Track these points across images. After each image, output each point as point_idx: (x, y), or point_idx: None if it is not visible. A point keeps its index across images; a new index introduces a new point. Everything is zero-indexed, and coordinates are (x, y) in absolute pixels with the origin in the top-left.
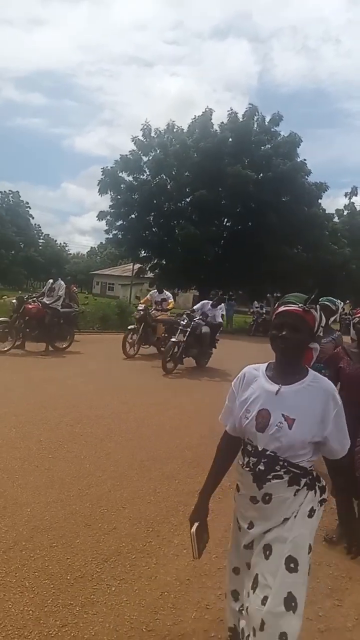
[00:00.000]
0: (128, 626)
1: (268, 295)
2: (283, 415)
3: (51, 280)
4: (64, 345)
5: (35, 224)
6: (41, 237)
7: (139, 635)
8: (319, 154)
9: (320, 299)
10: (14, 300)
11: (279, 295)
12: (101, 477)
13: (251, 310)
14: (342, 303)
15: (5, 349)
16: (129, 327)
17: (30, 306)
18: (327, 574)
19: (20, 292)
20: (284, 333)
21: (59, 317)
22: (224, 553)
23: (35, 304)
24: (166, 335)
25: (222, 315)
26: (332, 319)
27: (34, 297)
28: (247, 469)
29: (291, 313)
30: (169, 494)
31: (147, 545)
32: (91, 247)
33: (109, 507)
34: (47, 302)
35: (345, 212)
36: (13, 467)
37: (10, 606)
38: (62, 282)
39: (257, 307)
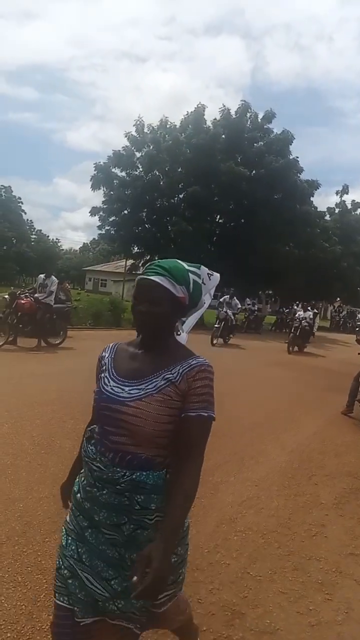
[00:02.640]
0: None
1: (260, 292)
2: None
3: (43, 276)
4: (56, 341)
5: (27, 220)
6: (33, 233)
7: None
8: (311, 151)
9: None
10: (7, 296)
11: (270, 292)
12: None
13: (243, 307)
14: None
15: None
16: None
17: (22, 302)
18: (317, 569)
19: (12, 287)
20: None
21: (52, 312)
22: (215, 547)
23: (28, 299)
24: None
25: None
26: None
27: (26, 293)
28: None
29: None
30: None
31: None
32: (84, 243)
33: None
34: (40, 298)
35: (337, 210)
36: (5, 463)
37: (3, 601)
38: (54, 278)
39: (249, 304)
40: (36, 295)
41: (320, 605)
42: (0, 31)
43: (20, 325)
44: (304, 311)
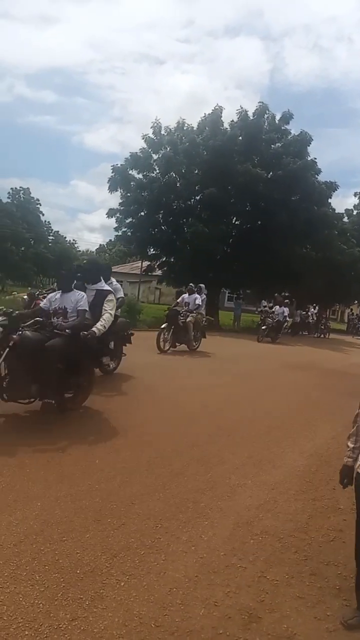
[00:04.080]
0: (137, 621)
1: (276, 294)
2: None
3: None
4: None
5: (45, 221)
6: (51, 234)
7: (148, 630)
8: (329, 153)
9: None
10: (25, 297)
11: (286, 294)
12: (110, 473)
13: (258, 309)
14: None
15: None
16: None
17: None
18: (335, 574)
19: (29, 288)
20: None
21: None
22: (232, 550)
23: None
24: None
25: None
26: None
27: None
28: None
29: None
30: (178, 490)
31: (156, 542)
32: (100, 245)
33: (118, 503)
34: None
35: (355, 212)
36: (24, 462)
37: (21, 599)
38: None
39: (264, 307)
40: None
41: (338, 611)
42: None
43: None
44: (280, 306)
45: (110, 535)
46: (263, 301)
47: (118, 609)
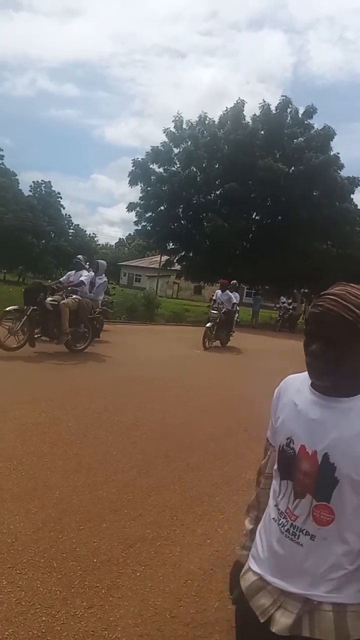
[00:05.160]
0: (152, 611)
1: (295, 290)
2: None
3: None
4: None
5: (65, 214)
6: (71, 227)
7: (163, 621)
8: (353, 148)
9: None
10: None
11: (306, 291)
12: (127, 465)
13: (277, 305)
14: None
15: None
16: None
17: None
18: None
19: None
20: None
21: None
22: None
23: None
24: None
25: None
26: None
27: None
28: None
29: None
30: (194, 484)
31: (172, 533)
32: (119, 239)
33: (134, 494)
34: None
35: None
36: (42, 451)
37: (38, 585)
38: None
39: (283, 303)
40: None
41: None
42: (43, 29)
43: None
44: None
45: (126, 526)
46: (282, 297)
47: (134, 599)
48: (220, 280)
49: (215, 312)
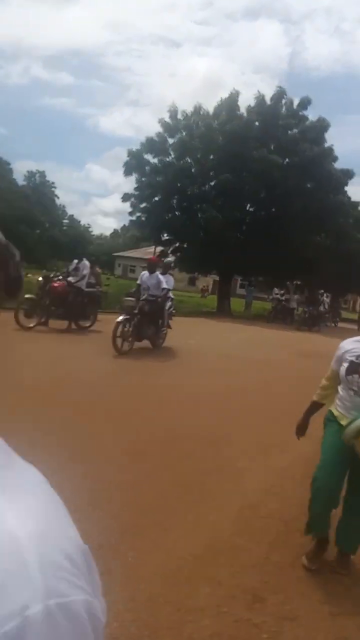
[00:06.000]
0: (144, 597)
1: (288, 282)
2: None
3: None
4: (87, 324)
5: (60, 204)
6: (65, 218)
7: (155, 606)
8: (347, 140)
9: None
10: (41, 279)
11: (299, 283)
12: (121, 452)
13: (271, 297)
14: None
15: (31, 325)
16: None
17: (55, 284)
18: None
19: (44, 270)
20: None
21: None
22: (237, 531)
23: (61, 282)
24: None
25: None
26: None
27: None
28: None
29: None
30: (186, 471)
31: (164, 520)
32: (114, 229)
33: (128, 481)
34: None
35: None
36: (36, 441)
37: None
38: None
39: (277, 294)
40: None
41: (342, 595)
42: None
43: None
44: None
45: (119, 513)
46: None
47: (126, 584)
48: (149, 258)
49: (130, 299)
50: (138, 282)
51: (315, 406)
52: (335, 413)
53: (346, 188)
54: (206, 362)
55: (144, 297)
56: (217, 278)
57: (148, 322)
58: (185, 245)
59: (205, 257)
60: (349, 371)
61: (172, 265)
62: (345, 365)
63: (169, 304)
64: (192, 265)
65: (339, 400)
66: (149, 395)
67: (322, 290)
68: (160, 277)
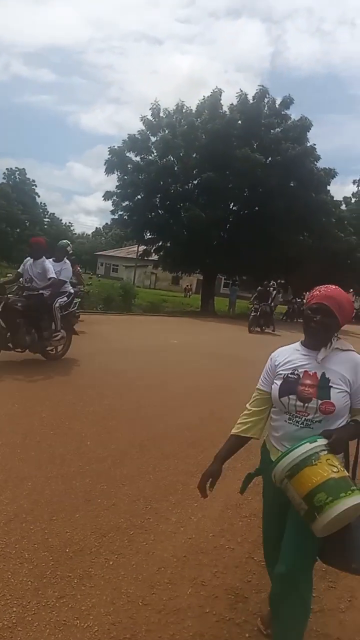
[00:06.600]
0: (125, 599)
1: (265, 282)
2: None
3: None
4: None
5: (40, 203)
6: (46, 216)
7: (135, 608)
8: (329, 139)
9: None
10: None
11: (282, 282)
12: (102, 455)
13: (254, 295)
14: None
15: None
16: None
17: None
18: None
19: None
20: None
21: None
22: (220, 532)
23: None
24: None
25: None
26: None
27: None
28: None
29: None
30: (168, 472)
31: (146, 522)
32: (96, 228)
33: (108, 484)
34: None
35: (353, 200)
36: (15, 442)
37: (9, 576)
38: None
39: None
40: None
41: (324, 593)
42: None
43: None
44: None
45: (100, 516)
46: (259, 288)
47: (106, 587)
48: (32, 239)
49: None
50: (19, 270)
51: (235, 442)
52: (267, 445)
53: (328, 187)
54: (190, 361)
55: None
56: (201, 277)
57: (27, 325)
58: (168, 244)
59: (189, 256)
60: (283, 391)
61: (71, 250)
62: (278, 383)
63: (63, 299)
64: (176, 264)
65: (272, 429)
66: (130, 395)
67: (272, 282)
68: (48, 263)
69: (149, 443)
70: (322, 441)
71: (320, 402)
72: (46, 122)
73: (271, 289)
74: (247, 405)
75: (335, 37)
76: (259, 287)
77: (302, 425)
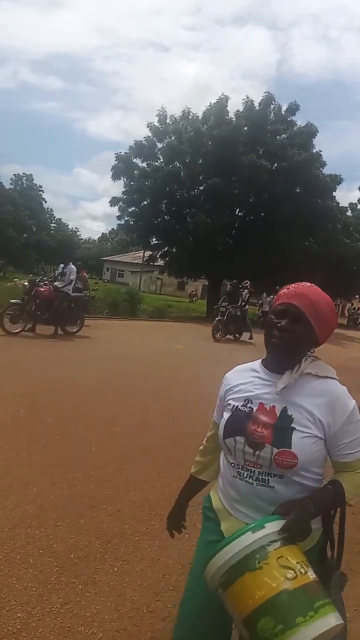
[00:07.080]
0: (129, 606)
1: (277, 287)
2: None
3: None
4: (73, 330)
5: (47, 208)
6: (53, 222)
7: (140, 615)
8: (335, 145)
9: None
10: (26, 283)
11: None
12: (106, 460)
13: (260, 301)
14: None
15: (17, 330)
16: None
17: (42, 289)
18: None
19: (31, 275)
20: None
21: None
22: None
23: (47, 287)
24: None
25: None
26: None
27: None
28: None
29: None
30: (173, 479)
31: (150, 528)
32: (102, 233)
33: (113, 490)
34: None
35: (359, 206)
36: (20, 447)
37: (14, 582)
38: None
39: (269, 299)
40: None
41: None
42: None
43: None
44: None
45: (104, 522)
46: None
47: (111, 594)
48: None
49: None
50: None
51: (195, 483)
52: (215, 502)
53: (334, 193)
54: (195, 367)
55: None
56: (206, 283)
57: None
58: (174, 250)
59: (195, 262)
60: (229, 430)
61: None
62: (226, 416)
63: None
64: (181, 270)
65: (221, 477)
66: (135, 401)
67: (246, 281)
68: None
69: (154, 449)
70: (272, 527)
71: (276, 450)
72: (53, 129)
73: (245, 290)
74: (204, 440)
75: (341, 43)
76: (228, 286)
77: (256, 483)
